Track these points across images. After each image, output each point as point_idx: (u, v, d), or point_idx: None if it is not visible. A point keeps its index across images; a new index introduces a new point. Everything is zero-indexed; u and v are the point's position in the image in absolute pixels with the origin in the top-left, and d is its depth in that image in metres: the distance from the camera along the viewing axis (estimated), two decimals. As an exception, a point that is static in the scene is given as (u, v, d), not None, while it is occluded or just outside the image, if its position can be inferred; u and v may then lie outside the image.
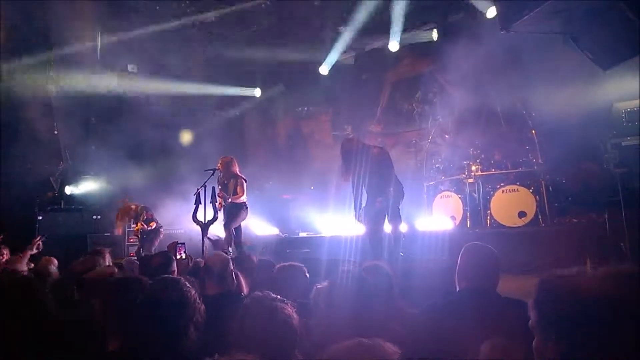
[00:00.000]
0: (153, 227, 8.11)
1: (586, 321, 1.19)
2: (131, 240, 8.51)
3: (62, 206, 9.06)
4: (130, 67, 9.46)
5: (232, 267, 3.85)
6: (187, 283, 2.12)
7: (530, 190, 7.00)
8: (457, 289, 2.81)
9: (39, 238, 4.99)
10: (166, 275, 2.21)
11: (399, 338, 2.35)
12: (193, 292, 2.11)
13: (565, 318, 1.22)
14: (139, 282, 2.28)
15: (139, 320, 1.99)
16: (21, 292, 2.14)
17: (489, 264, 2.62)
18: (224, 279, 3.72)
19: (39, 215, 8.32)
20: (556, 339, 1.22)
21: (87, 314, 2.36)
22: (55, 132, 8.78)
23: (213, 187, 7.40)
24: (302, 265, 3.72)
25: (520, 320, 2.30)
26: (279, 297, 2.15)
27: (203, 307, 2.17)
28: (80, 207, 9.17)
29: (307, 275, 3.63)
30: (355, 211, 6.20)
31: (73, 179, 9.31)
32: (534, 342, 1.31)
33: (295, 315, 2.09)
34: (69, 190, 9.23)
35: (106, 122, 9.52)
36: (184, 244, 5.04)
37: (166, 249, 5.04)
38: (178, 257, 4.50)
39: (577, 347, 1.19)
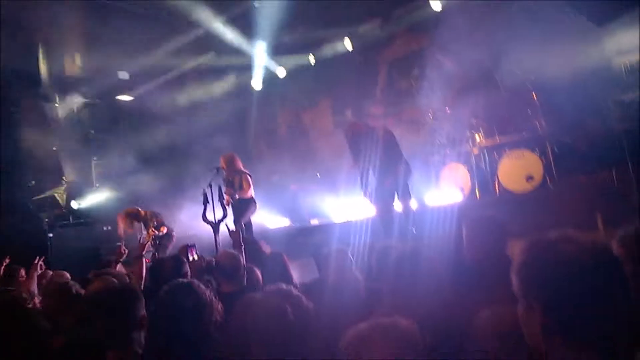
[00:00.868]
0: (164, 231, 8.14)
1: (570, 288, 1.15)
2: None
3: (71, 221, 9.13)
4: (120, 74, 9.43)
5: (243, 263, 3.86)
6: (200, 285, 2.12)
7: (536, 154, 6.92)
8: (468, 260, 2.80)
9: (38, 259, 5.07)
10: (179, 280, 2.20)
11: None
12: (208, 292, 2.11)
13: (549, 284, 1.18)
14: (132, 292, 2.26)
15: (158, 330, 1.99)
16: (9, 312, 2.11)
17: (494, 233, 2.59)
18: (237, 276, 3.73)
19: (50, 233, 8.39)
20: (540, 307, 1.19)
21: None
22: (54, 148, 8.82)
23: (219, 186, 7.42)
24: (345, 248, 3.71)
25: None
26: (292, 288, 2.14)
27: (220, 305, 2.16)
28: (90, 219, 9.23)
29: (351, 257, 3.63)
30: (364, 192, 6.21)
31: (78, 193, 9.37)
32: (518, 308, 1.28)
33: (309, 307, 2.07)
34: (75, 204, 9.30)
35: (106, 132, 9.54)
36: (194, 245, 5.04)
37: (177, 253, 5.06)
38: (190, 259, 4.50)
39: (560, 316, 1.16)
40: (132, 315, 2.05)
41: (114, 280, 3.43)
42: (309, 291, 2.78)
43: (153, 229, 8.13)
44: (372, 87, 10.69)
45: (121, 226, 7.98)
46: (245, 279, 3.79)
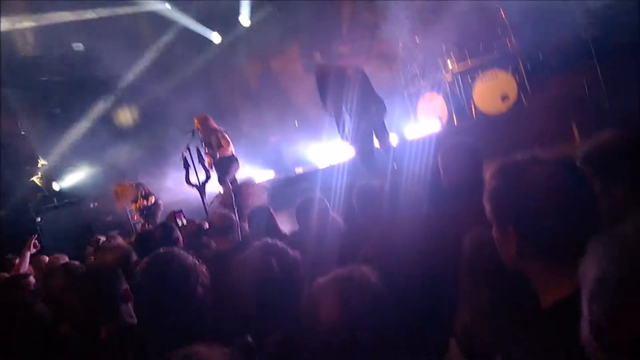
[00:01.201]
0: (153, 200, 8.14)
1: (540, 209, 1.16)
2: (135, 218, 8.58)
3: (57, 203, 9.06)
4: (75, 46, 9.03)
5: (236, 221, 3.92)
6: (181, 251, 2.16)
7: (509, 73, 6.91)
8: (446, 188, 2.86)
9: (32, 237, 4.99)
10: (159, 250, 2.24)
11: (395, 252, 2.44)
12: (190, 257, 2.15)
13: (520, 206, 1.19)
14: (109, 270, 2.30)
15: (144, 299, 2.04)
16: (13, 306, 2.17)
17: (468, 157, 2.64)
18: (230, 233, 3.79)
19: (38, 218, 8.35)
20: (513, 229, 1.20)
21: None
22: (23, 132, 8.59)
23: (197, 148, 7.36)
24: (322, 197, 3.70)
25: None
26: (277, 241, 2.16)
27: (205, 268, 2.20)
28: (75, 198, 9.17)
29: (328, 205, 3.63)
30: (341, 134, 6.20)
31: (57, 174, 9.24)
32: (493, 232, 1.29)
33: (297, 254, 2.11)
34: (56, 186, 9.20)
35: (72, 109, 9.26)
36: (181, 210, 5.07)
37: (165, 220, 5.09)
38: (180, 224, 4.54)
39: (533, 236, 1.17)
40: (114, 291, 2.10)
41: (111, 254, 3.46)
42: (292, 243, 2.84)
43: (142, 199, 8.13)
44: (338, 24, 10.42)
45: (120, 203, 8.01)
46: (240, 236, 3.86)
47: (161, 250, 2.20)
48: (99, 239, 5.49)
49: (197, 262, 2.18)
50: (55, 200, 9.05)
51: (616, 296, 0.63)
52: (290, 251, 2.06)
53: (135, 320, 2.10)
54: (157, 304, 2.04)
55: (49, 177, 9.07)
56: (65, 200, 9.09)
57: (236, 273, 2.09)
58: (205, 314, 2.09)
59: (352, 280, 1.45)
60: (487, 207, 1.27)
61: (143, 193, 8.15)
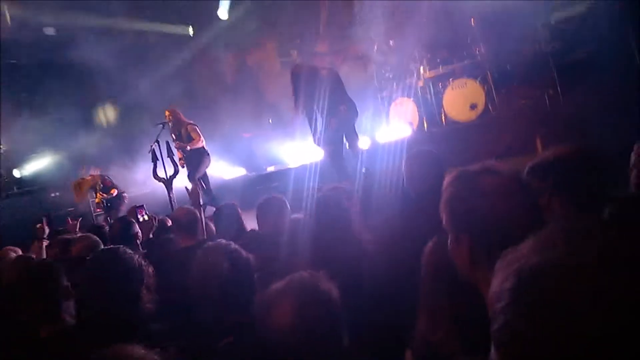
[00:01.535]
0: (114, 194, 7.95)
1: (491, 218, 1.18)
2: (98, 210, 8.38)
3: (16, 190, 8.78)
4: (46, 30, 8.75)
5: (200, 217, 3.88)
6: (127, 250, 2.10)
7: (478, 82, 7.07)
8: (410, 195, 2.92)
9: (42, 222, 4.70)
10: (103, 248, 2.19)
11: (355, 258, 2.47)
12: (136, 257, 2.10)
13: (472, 215, 1.21)
14: (48, 266, 2.26)
15: (85, 298, 1.99)
16: None
17: (430, 166, 2.70)
18: (194, 230, 3.75)
19: (-6, 206, 8.08)
20: (466, 237, 1.22)
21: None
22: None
23: (167, 141, 7.25)
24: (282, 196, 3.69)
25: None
26: (231, 243, 2.15)
27: (151, 269, 2.16)
28: (35, 187, 8.91)
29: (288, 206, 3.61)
30: (314, 136, 6.24)
31: (19, 161, 8.95)
32: (448, 241, 1.31)
33: (251, 257, 2.10)
34: (17, 173, 8.91)
35: (39, 93, 8.96)
36: (142, 206, 4.96)
37: (126, 215, 4.99)
38: (141, 219, 4.45)
39: (485, 244, 1.19)
40: (54, 288, 2.05)
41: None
42: (251, 243, 2.84)
43: (100, 193, 7.94)
44: (315, 24, 10.43)
45: (77, 195, 7.79)
46: (204, 233, 3.82)
47: (105, 248, 2.15)
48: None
49: (142, 262, 2.12)
50: (14, 187, 8.77)
51: (507, 307, 0.66)
52: (244, 253, 2.04)
53: (73, 321, 2.05)
54: (99, 304, 1.98)
55: (9, 164, 8.77)
56: (26, 188, 8.82)
57: (191, 273, 2.08)
58: (148, 317, 2.04)
59: (306, 286, 1.45)
60: (443, 215, 1.30)
61: (101, 186, 7.94)
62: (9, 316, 2.38)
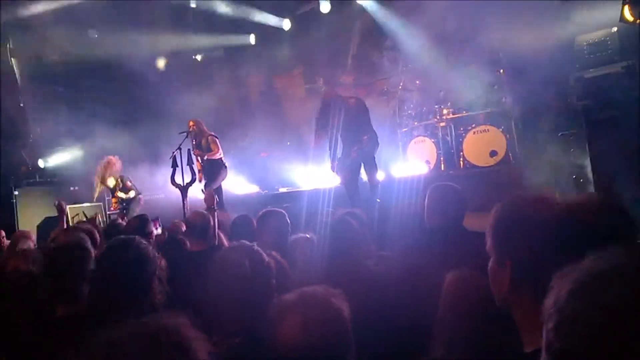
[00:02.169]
0: (132, 195, 8.07)
1: (540, 247, 1.18)
2: (113, 209, 8.50)
3: (38, 179, 8.93)
4: (90, 33, 9.09)
5: (213, 224, 3.95)
6: (142, 240, 2.13)
7: (501, 130, 7.16)
8: (428, 228, 2.97)
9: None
10: (120, 236, 2.23)
11: (369, 283, 2.51)
12: (150, 248, 2.12)
13: (521, 241, 1.21)
14: (81, 247, 2.33)
15: (98, 282, 2.03)
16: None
17: (453, 200, 2.75)
18: (206, 235, 3.81)
19: (15, 191, 8.21)
20: (510, 263, 1.21)
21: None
22: (21, 105, 8.51)
23: (188, 149, 7.40)
24: (283, 210, 3.76)
25: (485, 251, 2.47)
26: (255, 245, 2.18)
27: (164, 261, 2.18)
28: (56, 179, 9.06)
29: (288, 220, 3.68)
30: (332, 163, 6.33)
31: (45, 151, 9.14)
32: (489, 264, 1.30)
33: (272, 263, 2.14)
34: (42, 163, 9.08)
35: (75, 90, 9.23)
36: (157, 218, 4.99)
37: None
38: (155, 232, 4.53)
39: (528, 273, 1.19)
40: (82, 270, 2.12)
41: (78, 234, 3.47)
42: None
43: (119, 193, 8.06)
44: (344, 55, 10.68)
45: (98, 187, 7.92)
46: (215, 239, 3.88)
47: (122, 237, 2.19)
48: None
49: (156, 254, 2.16)
50: (37, 176, 8.94)
51: (563, 311, 0.69)
52: (265, 257, 2.07)
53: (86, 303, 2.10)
54: (110, 290, 1.98)
55: (37, 153, 8.96)
56: (47, 179, 8.98)
57: (211, 271, 2.11)
58: (157, 308, 2.05)
59: (318, 301, 1.42)
60: (488, 238, 1.29)
61: (121, 186, 8.07)
62: (30, 293, 2.45)
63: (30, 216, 7.54)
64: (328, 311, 1.41)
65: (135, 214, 7.95)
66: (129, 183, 8.06)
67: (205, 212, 4.02)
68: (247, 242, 2.15)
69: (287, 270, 2.69)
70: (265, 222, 3.56)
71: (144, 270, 2.01)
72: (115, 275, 1.98)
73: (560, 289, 0.73)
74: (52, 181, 9.04)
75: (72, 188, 8.95)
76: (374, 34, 10.15)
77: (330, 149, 6.31)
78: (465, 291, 1.75)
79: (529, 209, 1.23)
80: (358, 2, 9.84)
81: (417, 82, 8.56)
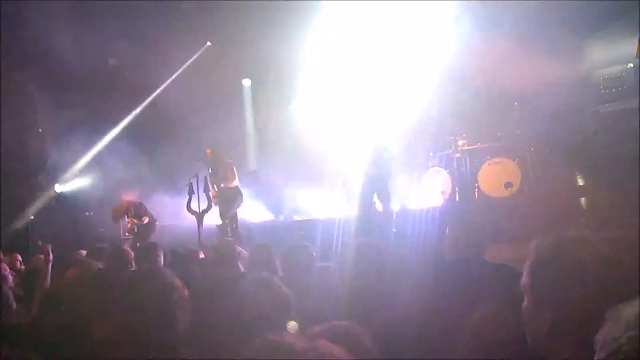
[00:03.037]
0: (145, 221, 8.13)
1: (583, 290, 1.11)
2: (127, 234, 8.56)
3: (54, 205, 9.06)
4: (110, 61, 9.38)
5: (238, 252, 3.98)
6: (166, 270, 2.14)
7: (515, 162, 7.16)
8: (448, 260, 2.96)
9: None
10: (145, 265, 2.25)
11: (386, 316, 2.49)
12: (174, 278, 2.14)
13: (563, 283, 1.15)
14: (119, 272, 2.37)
15: (125, 309, 2.04)
16: None
17: (475, 234, 2.75)
18: (232, 262, 3.83)
19: (31, 216, 8.33)
20: (551, 306, 1.16)
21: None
22: (40, 130, 8.71)
23: (205, 177, 7.50)
24: (309, 244, 3.75)
25: (507, 284, 2.45)
26: (272, 277, 2.19)
27: (187, 291, 2.19)
28: (72, 204, 9.17)
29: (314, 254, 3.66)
30: (344, 191, 6.35)
31: (62, 177, 9.29)
32: (524, 304, 1.24)
33: (289, 292, 2.13)
34: (58, 188, 9.23)
35: (93, 117, 9.44)
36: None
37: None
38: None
39: (571, 317, 1.13)
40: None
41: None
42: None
43: (133, 219, 8.12)
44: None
45: (115, 217, 8.03)
46: (239, 266, 3.90)
47: (147, 266, 2.19)
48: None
49: (180, 284, 2.15)
50: (53, 202, 9.06)
51: (616, 344, 0.70)
52: (284, 289, 2.06)
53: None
54: (135, 318, 1.97)
55: (53, 179, 9.11)
56: (63, 204, 9.09)
57: (230, 301, 2.11)
58: (181, 339, 2.03)
59: (344, 336, 1.37)
60: (525, 276, 1.24)
61: (133, 212, 8.14)
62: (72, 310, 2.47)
63: (45, 241, 7.59)
64: (357, 347, 1.35)
65: (148, 239, 8.03)
66: (142, 209, 8.13)
67: (231, 239, 4.05)
68: (266, 274, 2.16)
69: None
70: (291, 259, 3.55)
71: (167, 300, 2.02)
72: (139, 303, 1.99)
73: (616, 321, 0.74)
74: (68, 206, 9.15)
75: (87, 213, 9.05)
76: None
77: (344, 180, 6.35)
78: (495, 332, 1.68)
79: (573, 251, 1.16)
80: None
81: (433, 113, 8.61)
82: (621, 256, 1.17)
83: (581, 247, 1.16)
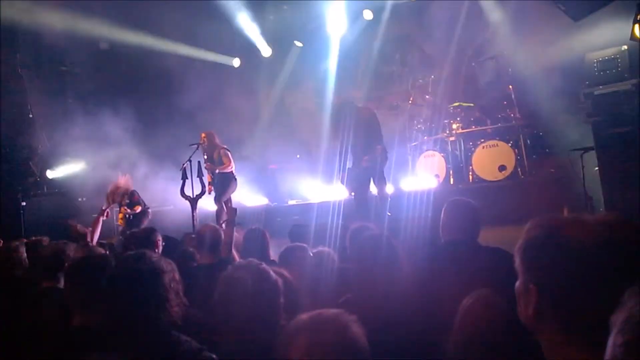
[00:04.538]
0: (138, 210, 8.08)
1: (569, 274, 1.10)
2: (119, 223, 8.51)
3: (45, 191, 8.98)
4: (102, 45, 9.22)
5: (228, 238, 3.96)
6: (153, 254, 2.08)
7: (510, 145, 7.18)
8: (442, 242, 2.96)
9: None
10: (134, 251, 2.21)
11: (381, 299, 2.49)
12: (163, 260, 2.07)
13: (548, 267, 1.14)
14: (104, 259, 2.35)
15: (112, 296, 2.01)
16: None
17: (470, 216, 2.76)
18: (216, 248, 3.82)
19: (23, 202, 8.26)
20: (535, 288, 1.15)
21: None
22: (30, 115, 8.60)
23: (199, 162, 7.45)
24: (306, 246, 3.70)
25: (500, 267, 2.46)
26: (262, 263, 2.15)
27: (178, 275, 2.16)
28: (64, 190, 9.10)
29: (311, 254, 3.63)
30: (341, 174, 6.34)
31: (54, 163, 9.20)
32: (516, 284, 1.23)
33: (280, 280, 2.06)
34: (50, 174, 9.15)
35: (85, 102, 9.32)
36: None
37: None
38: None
39: (555, 300, 1.13)
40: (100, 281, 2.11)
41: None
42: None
43: (125, 208, 8.06)
44: (355, 70, 10.76)
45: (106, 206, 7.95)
46: (224, 251, 3.89)
47: (135, 251, 2.15)
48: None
49: (170, 267, 2.11)
50: (45, 188, 8.98)
51: (638, 328, 0.68)
52: (273, 275, 2.01)
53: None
54: (125, 304, 1.93)
55: (45, 164, 9.02)
56: (55, 190, 9.02)
57: (216, 290, 2.08)
58: (174, 322, 1.97)
59: (332, 325, 1.32)
60: (517, 257, 1.23)
61: (127, 201, 8.08)
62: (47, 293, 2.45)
63: (35, 228, 7.55)
64: (344, 338, 1.30)
65: (141, 226, 7.99)
66: (135, 198, 8.07)
67: (216, 225, 4.03)
68: (255, 260, 2.13)
69: (298, 290, 2.66)
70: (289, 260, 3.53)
71: (157, 283, 1.99)
72: (129, 289, 1.96)
73: (635, 304, 0.71)
74: (60, 192, 9.08)
75: (79, 199, 8.98)
76: (385, 47, 10.24)
77: (339, 159, 6.32)
78: (487, 315, 1.68)
79: (566, 232, 1.14)
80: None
81: (427, 96, 8.60)
82: (615, 238, 1.14)
83: (573, 228, 1.14)
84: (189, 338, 1.95)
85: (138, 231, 4.40)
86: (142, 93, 9.57)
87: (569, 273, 1.10)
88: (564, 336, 1.11)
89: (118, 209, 8.31)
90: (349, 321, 1.34)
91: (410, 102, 8.84)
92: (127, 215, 8.09)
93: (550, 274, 1.13)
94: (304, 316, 1.38)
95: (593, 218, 1.17)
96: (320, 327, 1.31)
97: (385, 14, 9.82)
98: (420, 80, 8.91)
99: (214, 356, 1.90)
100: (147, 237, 3.88)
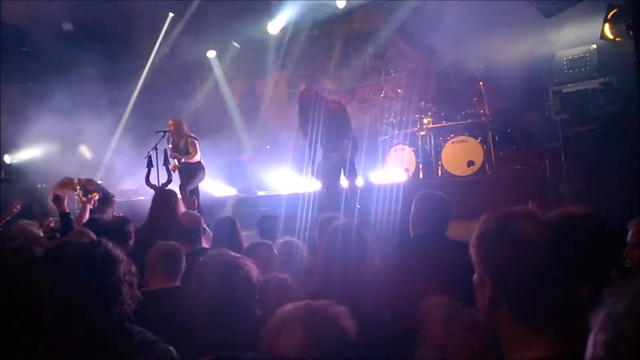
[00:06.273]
0: (96, 198, 7.80)
1: (521, 265, 1.14)
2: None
3: (3, 176, 8.61)
4: (65, 26, 8.82)
5: (204, 226, 3.85)
6: (109, 243, 1.95)
7: (478, 141, 7.27)
8: (411, 235, 2.95)
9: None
10: (86, 240, 2.08)
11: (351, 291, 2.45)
12: (118, 250, 2.00)
13: (501, 259, 1.17)
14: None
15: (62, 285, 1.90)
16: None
17: (439, 210, 2.75)
18: (197, 237, 3.70)
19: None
20: (489, 280, 1.18)
21: None
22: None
23: (165, 150, 7.26)
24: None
25: (466, 260, 2.45)
26: (237, 254, 2.09)
27: (134, 267, 2.06)
28: (24, 176, 8.75)
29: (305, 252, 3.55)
30: (311, 167, 6.27)
31: (12, 147, 8.83)
32: (473, 277, 1.26)
33: (255, 270, 2.05)
34: (8, 159, 8.78)
35: (46, 85, 8.94)
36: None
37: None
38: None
39: (508, 291, 1.16)
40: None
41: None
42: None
43: (81, 197, 7.78)
44: (327, 61, 10.69)
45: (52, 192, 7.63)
46: (201, 241, 3.78)
47: (89, 240, 2.04)
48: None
49: (125, 258, 2.01)
50: (2, 173, 8.61)
51: (618, 326, 0.68)
52: (247, 266, 1.95)
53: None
54: (73, 292, 1.78)
55: (2, 149, 8.64)
56: (14, 176, 8.66)
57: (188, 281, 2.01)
58: (126, 317, 1.87)
59: (321, 315, 1.31)
60: (472, 251, 1.26)
61: (82, 191, 7.79)
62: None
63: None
64: (334, 329, 1.29)
65: (107, 216, 7.72)
66: (91, 186, 7.79)
67: (196, 212, 3.91)
68: (229, 251, 2.06)
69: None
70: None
71: (111, 273, 1.88)
72: (78, 277, 1.84)
73: (615, 303, 0.71)
74: (19, 178, 8.72)
75: (39, 185, 8.63)
76: (358, 40, 10.21)
77: (309, 152, 6.24)
78: (449, 311, 1.64)
79: (517, 226, 1.17)
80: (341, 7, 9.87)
81: (399, 90, 8.61)
82: (565, 233, 1.20)
83: (525, 221, 1.17)
84: (143, 329, 1.86)
85: (109, 221, 4.23)
86: (108, 79, 9.23)
87: (520, 266, 1.14)
88: (521, 327, 1.14)
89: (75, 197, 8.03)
90: (340, 313, 1.33)
91: (382, 95, 8.83)
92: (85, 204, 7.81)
93: (502, 267, 1.17)
94: (290, 307, 1.35)
95: (546, 212, 1.22)
96: (313, 320, 1.30)
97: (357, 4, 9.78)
98: (393, 74, 8.92)
99: (170, 347, 1.83)
100: (119, 228, 3.72)
